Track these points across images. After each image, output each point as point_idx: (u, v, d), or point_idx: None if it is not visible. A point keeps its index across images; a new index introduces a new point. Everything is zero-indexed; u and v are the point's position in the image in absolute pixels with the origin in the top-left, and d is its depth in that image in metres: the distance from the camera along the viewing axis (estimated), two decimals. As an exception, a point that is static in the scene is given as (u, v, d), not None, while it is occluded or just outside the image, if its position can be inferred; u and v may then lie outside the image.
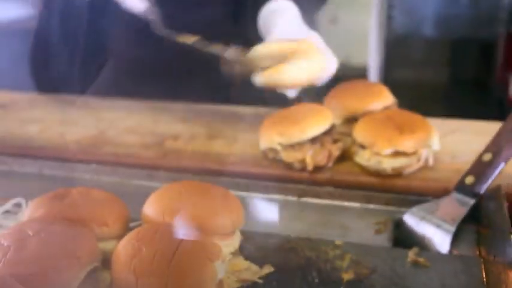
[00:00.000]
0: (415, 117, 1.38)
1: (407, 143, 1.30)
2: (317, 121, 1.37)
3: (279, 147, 1.36)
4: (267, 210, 1.27)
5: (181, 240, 0.88)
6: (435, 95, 4.07)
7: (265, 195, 1.32)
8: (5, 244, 0.88)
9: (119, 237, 1.01)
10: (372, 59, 4.50)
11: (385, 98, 1.53)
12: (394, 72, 4.25)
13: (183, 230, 0.93)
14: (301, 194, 1.31)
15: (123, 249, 0.89)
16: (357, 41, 4.93)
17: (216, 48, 1.47)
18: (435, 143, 1.34)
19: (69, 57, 1.72)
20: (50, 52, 1.80)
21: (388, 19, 4.31)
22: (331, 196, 1.30)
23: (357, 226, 1.21)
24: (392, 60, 4.31)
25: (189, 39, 1.48)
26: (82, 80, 1.73)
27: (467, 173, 1.20)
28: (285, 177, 1.35)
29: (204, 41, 1.50)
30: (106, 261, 0.95)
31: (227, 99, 1.76)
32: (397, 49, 4.32)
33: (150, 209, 1.03)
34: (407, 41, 4.36)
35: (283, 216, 1.25)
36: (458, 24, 4.14)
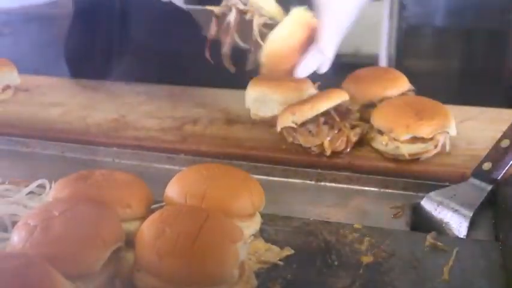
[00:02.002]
0: (433, 103, 1.39)
1: (425, 129, 1.31)
2: (327, 97, 1.39)
3: (293, 125, 1.37)
4: (285, 194, 1.29)
5: (204, 222, 0.89)
6: (447, 85, 4.04)
7: (284, 179, 1.34)
8: (32, 224, 0.90)
9: (142, 218, 1.02)
10: (384, 48, 4.48)
11: (402, 84, 1.54)
12: (406, 61, 4.22)
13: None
14: (319, 179, 1.32)
15: (146, 230, 0.90)
16: (369, 29, 4.91)
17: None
18: (452, 129, 1.35)
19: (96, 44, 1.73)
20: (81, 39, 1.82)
21: (400, 8, 4.28)
22: (349, 181, 1.31)
23: (374, 210, 1.22)
24: (403, 49, 4.29)
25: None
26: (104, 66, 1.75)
27: (485, 159, 1.21)
28: (303, 162, 1.36)
29: None
30: (129, 241, 0.97)
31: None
32: (409, 38, 4.29)
33: (173, 190, 1.04)
34: (419, 31, 4.33)
35: (301, 200, 1.27)
36: (470, 14, 4.10)
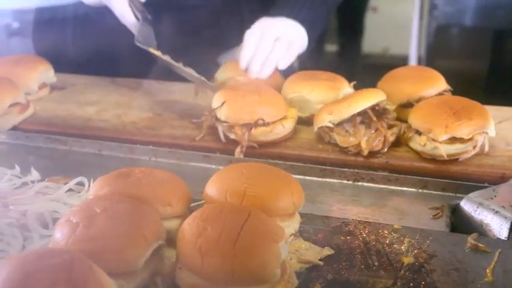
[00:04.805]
0: (471, 103, 1.37)
1: (464, 130, 1.29)
2: (364, 96, 1.39)
3: (330, 125, 1.37)
4: (322, 194, 1.29)
5: (246, 220, 0.89)
6: (477, 85, 4.01)
7: (321, 179, 1.33)
8: (74, 221, 0.90)
9: (181, 216, 1.03)
10: (413, 49, 4.46)
11: (440, 84, 1.53)
12: (436, 62, 4.20)
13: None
14: (357, 178, 1.32)
15: (188, 228, 0.90)
16: (399, 30, 4.88)
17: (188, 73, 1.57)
18: (491, 130, 1.33)
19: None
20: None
21: (431, 8, 4.26)
22: (386, 181, 1.30)
23: (413, 211, 1.21)
24: (434, 49, 4.27)
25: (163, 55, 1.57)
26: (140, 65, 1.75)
27: (526, 160, 1.20)
28: (340, 162, 1.36)
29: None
30: (169, 240, 0.97)
31: None
32: (440, 39, 4.27)
33: (213, 189, 1.04)
34: (449, 31, 4.30)
35: (339, 199, 1.26)
36: (500, 13, 4.07)
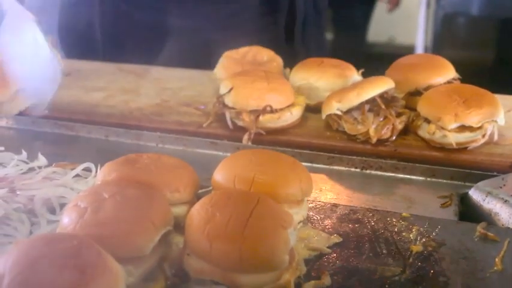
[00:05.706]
0: (480, 91, 1.36)
1: (474, 118, 1.28)
2: (373, 84, 1.38)
3: (338, 112, 1.37)
4: (330, 181, 1.28)
5: (255, 207, 0.88)
6: (484, 74, 3.99)
7: (329, 166, 1.33)
8: (82, 206, 0.90)
9: (189, 202, 1.02)
10: (420, 38, 4.45)
11: (449, 72, 1.52)
12: (443, 51, 4.18)
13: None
14: (365, 166, 1.31)
15: (196, 214, 0.90)
16: (405, 19, 4.86)
17: None
18: (501, 118, 1.33)
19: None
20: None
21: (438, -2, 4.24)
22: (395, 169, 1.30)
23: (421, 199, 1.21)
24: (441, 39, 4.25)
25: None
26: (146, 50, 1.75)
27: (536, 149, 1.19)
28: (348, 149, 1.35)
29: None
30: (176, 226, 0.97)
31: None
32: (446, 28, 4.25)
33: (221, 175, 1.03)
34: (456, 20, 4.29)
35: (347, 187, 1.26)
36: (508, 2, 4.05)
